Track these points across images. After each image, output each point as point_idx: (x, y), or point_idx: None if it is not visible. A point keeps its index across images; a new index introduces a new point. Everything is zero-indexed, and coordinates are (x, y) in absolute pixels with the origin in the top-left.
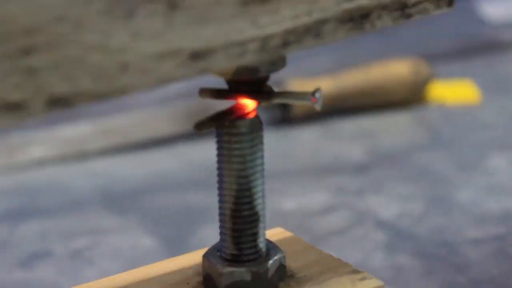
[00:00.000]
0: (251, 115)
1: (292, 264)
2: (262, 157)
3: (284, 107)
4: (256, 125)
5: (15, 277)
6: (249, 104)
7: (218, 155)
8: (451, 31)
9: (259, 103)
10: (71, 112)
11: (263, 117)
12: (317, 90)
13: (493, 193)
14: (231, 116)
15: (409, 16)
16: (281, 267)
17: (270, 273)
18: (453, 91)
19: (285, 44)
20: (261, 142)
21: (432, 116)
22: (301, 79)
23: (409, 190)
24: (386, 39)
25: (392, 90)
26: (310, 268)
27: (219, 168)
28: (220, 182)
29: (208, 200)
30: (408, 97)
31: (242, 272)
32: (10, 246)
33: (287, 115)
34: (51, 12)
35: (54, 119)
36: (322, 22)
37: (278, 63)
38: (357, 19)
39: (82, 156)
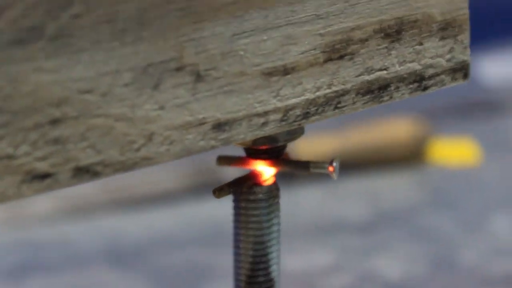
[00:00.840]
0: (269, 182)
1: None
2: (278, 223)
3: None
4: (273, 192)
5: None
6: (266, 171)
7: (235, 221)
8: (448, 90)
9: (277, 170)
10: None
11: None
12: (334, 159)
13: (497, 255)
14: (249, 183)
15: (426, 88)
16: None
17: None
18: (453, 151)
19: (306, 115)
20: (278, 209)
21: (434, 176)
22: (303, 138)
23: (414, 251)
24: None
25: (392, 149)
26: None
27: (235, 234)
28: (236, 247)
29: (214, 259)
30: (409, 156)
31: None
32: None
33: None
34: (80, 83)
35: None
36: (342, 93)
37: (296, 132)
38: (376, 91)
39: (86, 211)
